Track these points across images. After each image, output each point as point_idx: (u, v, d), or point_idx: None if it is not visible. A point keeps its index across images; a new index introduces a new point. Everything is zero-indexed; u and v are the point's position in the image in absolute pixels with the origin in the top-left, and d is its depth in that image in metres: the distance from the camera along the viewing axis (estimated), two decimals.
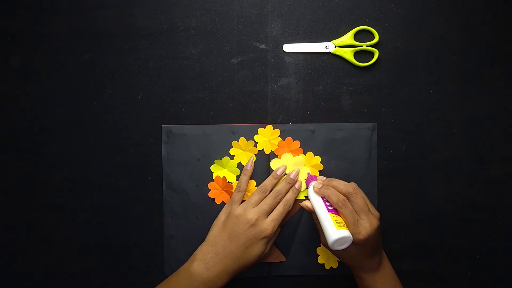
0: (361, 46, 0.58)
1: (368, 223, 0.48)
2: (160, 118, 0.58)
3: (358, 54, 0.58)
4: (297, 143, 0.58)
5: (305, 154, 0.58)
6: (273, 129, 0.58)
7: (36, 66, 0.58)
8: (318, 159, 0.57)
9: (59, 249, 0.58)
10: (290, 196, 0.55)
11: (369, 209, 0.50)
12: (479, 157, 0.58)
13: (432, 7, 0.58)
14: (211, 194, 0.58)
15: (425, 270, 0.59)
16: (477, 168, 0.58)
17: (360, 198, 0.50)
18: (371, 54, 0.58)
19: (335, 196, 0.50)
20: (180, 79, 0.58)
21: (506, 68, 0.58)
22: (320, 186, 0.52)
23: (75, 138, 0.58)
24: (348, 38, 0.58)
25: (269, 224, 0.52)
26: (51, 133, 0.58)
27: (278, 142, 0.58)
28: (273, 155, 0.58)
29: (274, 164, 0.57)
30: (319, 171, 0.57)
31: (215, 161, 0.58)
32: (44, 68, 0.58)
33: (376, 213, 0.51)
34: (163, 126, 0.58)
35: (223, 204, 0.58)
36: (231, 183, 0.58)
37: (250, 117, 0.58)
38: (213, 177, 0.58)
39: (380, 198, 0.58)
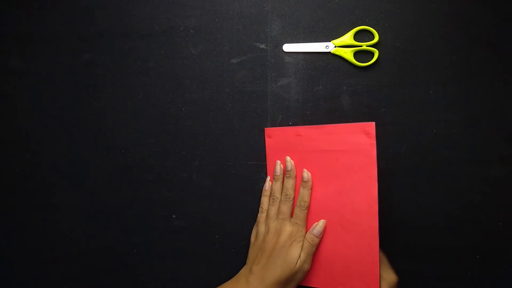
0: (361, 46, 0.58)
1: None
2: (160, 118, 0.58)
3: (358, 54, 0.58)
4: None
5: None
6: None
7: (36, 66, 0.58)
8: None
9: (58, 249, 0.58)
10: (302, 193, 0.55)
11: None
12: (479, 157, 0.58)
13: (432, 7, 0.58)
14: None
15: (425, 270, 0.59)
16: (477, 168, 0.58)
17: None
18: (371, 54, 0.58)
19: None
20: (180, 79, 0.58)
21: (506, 68, 0.58)
22: None
23: (75, 138, 0.58)
24: (348, 38, 0.58)
25: (292, 228, 0.53)
26: (51, 133, 0.58)
27: None
28: None
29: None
30: None
31: None
32: (44, 68, 0.58)
33: None
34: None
35: None
36: None
37: (250, 117, 0.58)
38: None
39: (380, 199, 0.58)
